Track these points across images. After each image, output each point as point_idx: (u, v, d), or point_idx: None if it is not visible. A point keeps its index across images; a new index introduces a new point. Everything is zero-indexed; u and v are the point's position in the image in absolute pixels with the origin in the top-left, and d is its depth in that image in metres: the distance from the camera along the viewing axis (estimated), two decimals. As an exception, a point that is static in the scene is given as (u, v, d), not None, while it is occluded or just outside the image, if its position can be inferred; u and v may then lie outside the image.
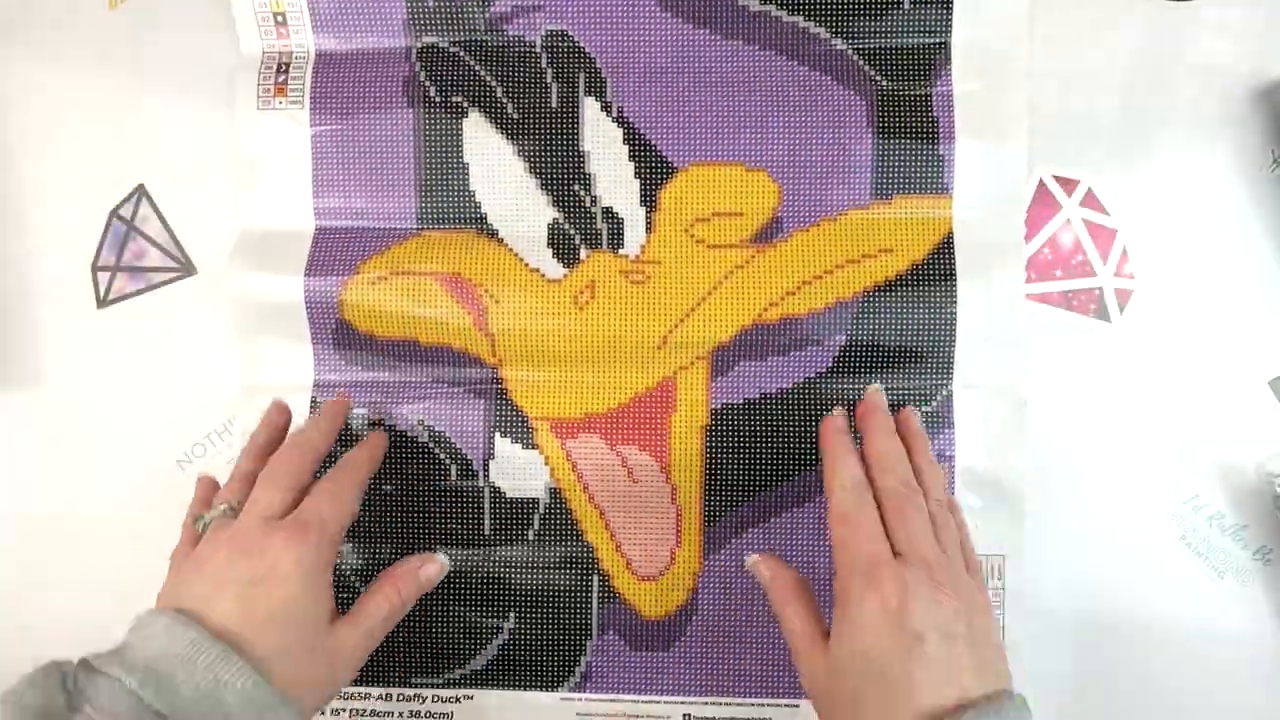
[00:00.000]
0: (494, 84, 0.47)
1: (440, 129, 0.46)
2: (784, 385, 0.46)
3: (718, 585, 0.46)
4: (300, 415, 0.47)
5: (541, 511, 0.46)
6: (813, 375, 0.46)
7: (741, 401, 0.46)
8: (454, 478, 0.47)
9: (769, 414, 0.46)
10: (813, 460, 0.45)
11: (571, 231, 0.47)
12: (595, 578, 0.46)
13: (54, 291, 0.49)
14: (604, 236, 0.46)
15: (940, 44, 0.45)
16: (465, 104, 0.46)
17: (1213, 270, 0.47)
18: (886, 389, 0.45)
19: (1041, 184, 0.48)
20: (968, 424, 0.45)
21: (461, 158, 0.46)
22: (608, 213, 0.46)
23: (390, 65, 0.47)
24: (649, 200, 0.46)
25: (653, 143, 0.46)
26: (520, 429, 0.47)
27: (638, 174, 0.46)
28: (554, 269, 0.46)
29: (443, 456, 0.47)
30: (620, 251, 0.46)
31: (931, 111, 0.45)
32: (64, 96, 0.48)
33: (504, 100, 0.46)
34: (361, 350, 0.46)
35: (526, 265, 0.47)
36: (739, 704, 0.46)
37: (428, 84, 0.47)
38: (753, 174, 0.46)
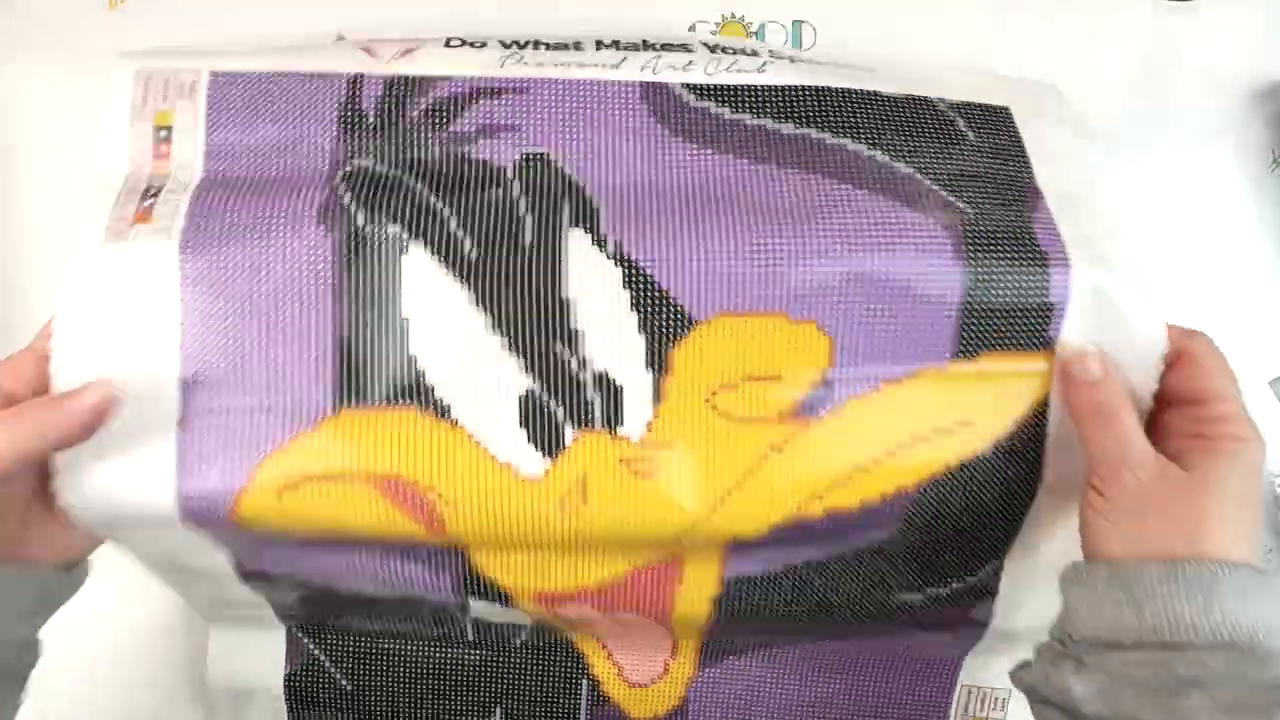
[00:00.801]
0: (446, 211, 0.34)
1: (368, 269, 0.34)
2: (812, 558, 0.38)
3: (711, 695, 0.44)
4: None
5: (528, 630, 0.43)
6: (848, 553, 0.37)
7: (761, 574, 0.38)
8: (430, 606, 0.40)
9: (791, 584, 0.38)
10: (831, 623, 0.41)
11: (554, 406, 0.34)
12: (585, 682, 0.44)
13: (55, 294, 0.43)
14: (597, 411, 0.35)
15: (1027, 177, 0.37)
16: (405, 236, 0.34)
17: (1212, 271, 0.47)
18: (930, 564, 0.39)
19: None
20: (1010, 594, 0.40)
21: (398, 309, 0.34)
22: (602, 380, 0.34)
23: (303, 189, 0.34)
24: (658, 361, 0.35)
25: (663, 287, 0.35)
26: (496, 596, 0.39)
27: (644, 327, 0.34)
28: (531, 461, 0.34)
29: (412, 600, 0.40)
30: (619, 431, 0.34)
31: (1037, 243, 0.35)
32: (64, 96, 0.45)
33: (458, 232, 0.34)
34: (280, 546, 0.36)
35: (493, 459, 0.34)
36: None
37: (353, 207, 0.34)
38: (798, 326, 0.35)
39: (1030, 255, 0.35)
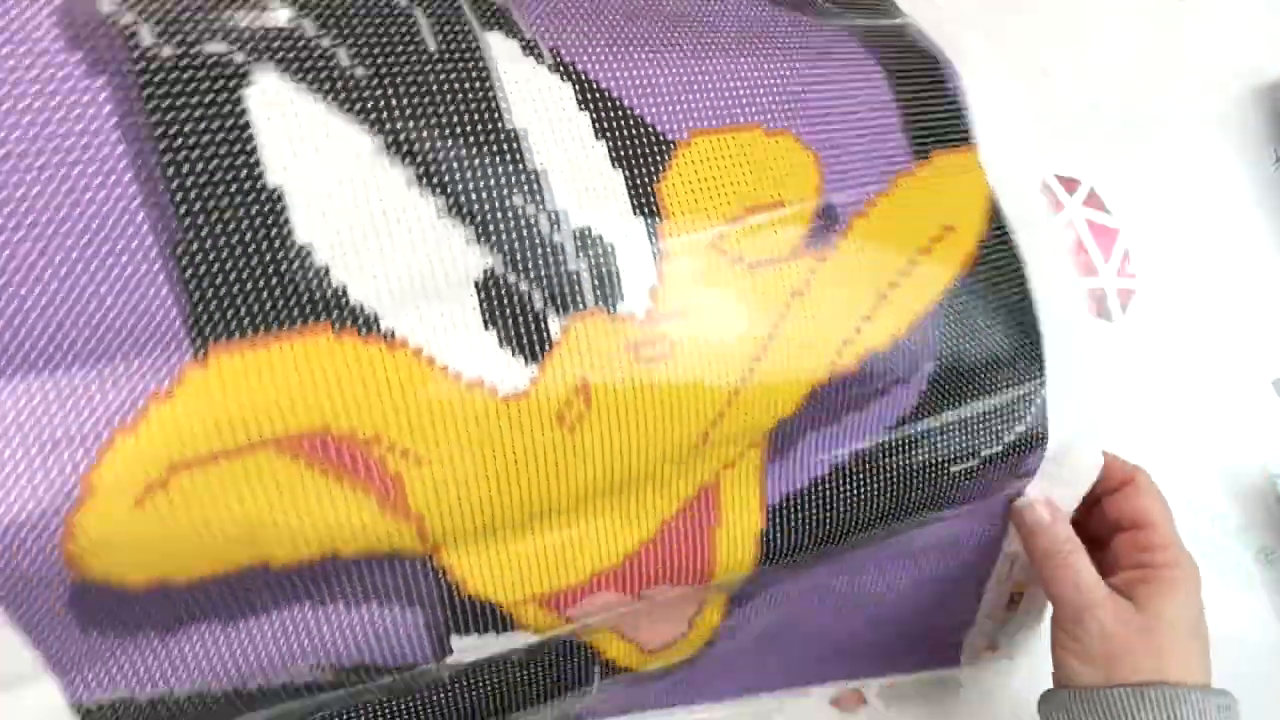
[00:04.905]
0: (299, 18, 0.22)
1: (191, 122, 0.20)
2: (860, 446, 0.31)
3: (739, 625, 0.35)
4: None
5: (527, 648, 0.30)
6: (893, 423, 0.31)
7: (806, 484, 0.30)
8: (387, 683, 0.28)
9: (842, 489, 0.31)
10: (887, 523, 0.33)
11: (526, 287, 0.24)
12: (597, 669, 0.33)
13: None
14: (585, 285, 0.25)
15: None
16: (243, 59, 0.21)
17: (1214, 270, 0.47)
18: (977, 416, 0.33)
19: (1043, 184, 0.46)
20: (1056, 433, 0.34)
21: (260, 178, 0.21)
22: (584, 238, 0.25)
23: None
24: (647, 203, 0.25)
25: (625, 103, 0.25)
26: (490, 620, 0.27)
27: (618, 159, 0.25)
28: (509, 371, 0.24)
29: (364, 679, 0.27)
30: (619, 308, 0.25)
31: (918, 43, 0.34)
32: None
33: (325, 43, 0.22)
34: (153, 607, 0.22)
35: (458, 378, 0.23)
36: (747, 702, 0.40)
37: (135, 22, 0.20)
38: (776, 140, 0.28)
39: (918, 57, 0.33)
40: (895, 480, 0.32)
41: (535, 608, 0.27)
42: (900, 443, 0.31)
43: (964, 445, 0.33)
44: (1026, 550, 0.36)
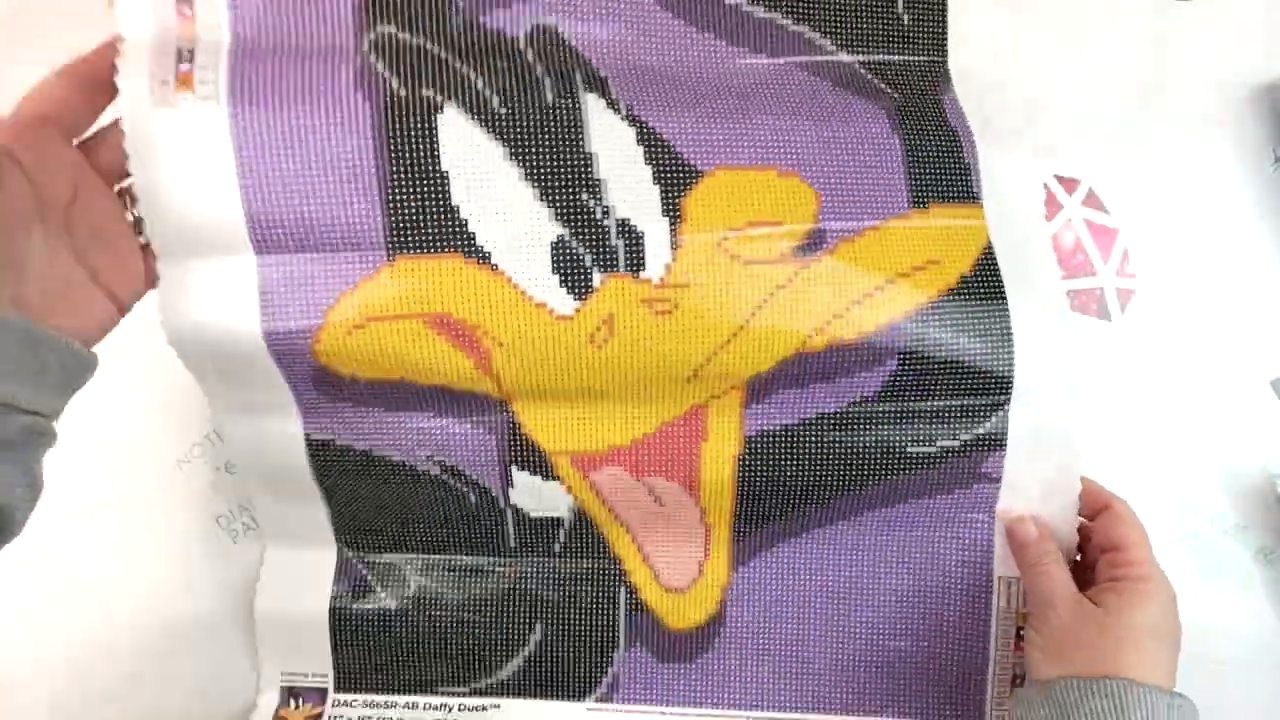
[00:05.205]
0: (472, 75, 0.37)
1: (408, 128, 0.36)
2: (826, 410, 0.41)
3: (747, 598, 0.45)
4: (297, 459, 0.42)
5: (566, 528, 0.44)
6: (858, 399, 0.41)
7: (779, 428, 0.41)
8: (472, 502, 0.43)
9: (808, 440, 0.42)
10: (849, 484, 0.42)
11: (581, 251, 0.38)
12: (622, 589, 0.45)
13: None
14: (620, 256, 0.38)
15: (939, 63, 0.44)
16: (439, 98, 0.37)
17: (1214, 270, 0.47)
18: (937, 411, 0.41)
19: (1043, 184, 0.47)
20: (1019, 443, 0.42)
21: (439, 164, 0.37)
22: (624, 226, 0.38)
23: (334, 56, 0.37)
24: (672, 210, 0.39)
25: (670, 144, 0.39)
26: (537, 462, 0.42)
27: (657, 179, 0.38)
28: (563, 302, 0.38)
29: (458, 485, 0.43)
30: (641, 275, 0.38)
31: (947, 120, 0.43)
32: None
33: (486, 93, 0.37)
34: (350, 390, 0.39)
35: (530, 300, 0.38)
36: (766, 718, 0.45)
37: (387, 74, 0.37)
38: (786, 179, 0.40)
39: (942, 130, 0.42)
40: (855, 444, 0.42)
41: (567, 462, 0.42)
42: (861, 415, 0.41)
43: (921, 432, 0.42)
44: (1016, 562, 0.42)
